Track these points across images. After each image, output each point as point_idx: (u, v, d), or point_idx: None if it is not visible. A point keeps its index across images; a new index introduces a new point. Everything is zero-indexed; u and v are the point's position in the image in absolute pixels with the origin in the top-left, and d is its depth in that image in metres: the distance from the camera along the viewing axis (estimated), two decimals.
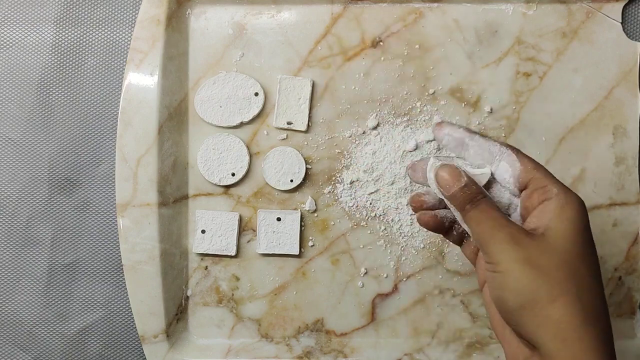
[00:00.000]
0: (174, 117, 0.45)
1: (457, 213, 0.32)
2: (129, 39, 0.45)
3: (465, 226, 0.32)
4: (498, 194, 0.33)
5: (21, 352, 0.47)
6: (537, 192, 0.31)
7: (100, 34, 0.46)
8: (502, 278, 0.30)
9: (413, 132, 0.44)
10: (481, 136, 0.34)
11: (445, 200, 0.33)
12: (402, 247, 0.45)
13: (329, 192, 0.45)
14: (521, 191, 0.32)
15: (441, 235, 0.38)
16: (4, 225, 0.47)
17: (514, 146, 0.33)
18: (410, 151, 0.44)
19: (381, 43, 0.45)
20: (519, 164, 0.32)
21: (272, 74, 0.45)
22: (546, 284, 0.29)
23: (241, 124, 0.45)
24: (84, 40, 0.46)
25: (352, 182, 0.45)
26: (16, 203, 0.46)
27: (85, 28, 0.46)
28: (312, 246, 0.46)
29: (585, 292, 0.30)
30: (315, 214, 0.46)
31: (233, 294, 0.46)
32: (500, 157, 0.33)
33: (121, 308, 0.47)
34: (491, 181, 0.33)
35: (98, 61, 0.46)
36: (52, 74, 0.46)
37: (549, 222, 0.31)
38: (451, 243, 0.37)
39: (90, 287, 0.47)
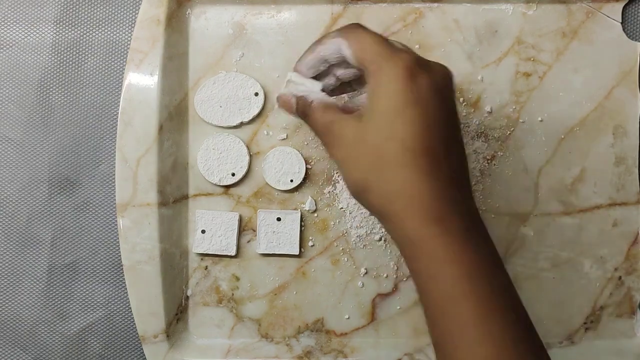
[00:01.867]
0: (174, 117, 0.45)
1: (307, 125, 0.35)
2: (129, 39, 0.45)
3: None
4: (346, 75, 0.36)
5: (21, 352, 0.47)
6: (369, 70, 0.32)
7: (100, 34, 0.46)
8: (340, 167, 0.33)
9: None
10: (322, 44, 0.35)
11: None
12: None
13: (329, 192, 0.45)
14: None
15: None
16: (4, 225, 0.47)
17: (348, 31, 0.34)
18: None
19: None
20: (347, 46, 0.33)
21: (272, 74, 0.45)
22: (376, 160, 0.31)
23: (241, 124, 0.45)
24: (84, 40, 0.46)
25: None
26: (16, 203, 0.46)
27: (85, 28, 0.46)
28: (312, 246, 0.46)
29: (422, 157, 0.30)
30: (315, 214, 0.46)
31: (233, 294, 0.46)
32: (339, 51, 0.34)
33: (121, 308, 0.47)
34: (332, 71, 0.36)
35: (98, 61, 0.46)
36: (52, 74, 0.46)
37: (369, 97, 0.32)
38: None
39: (90, 287, 0.47)
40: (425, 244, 0.30)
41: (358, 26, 0.34)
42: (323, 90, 0.36)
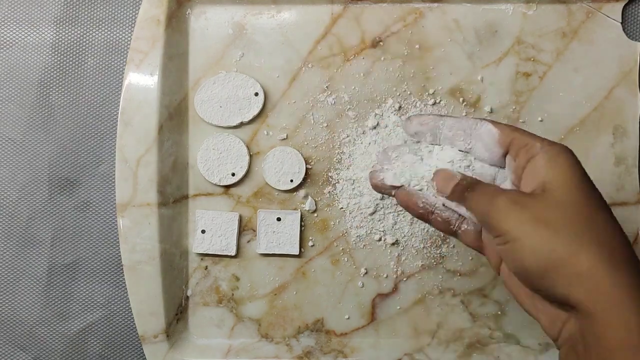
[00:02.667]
0: (174, 117, 0.45)
1: (462, 209, 0.32)
2: (129, 39, 0.45)
3: (471, 216, 0.32)
4: (481, 171, 0.33)
5: (21, 352, 0.47)
6: (521, 152, 0.31)
7: (100, 34, 0.46)
8: (516, 246, 0.28)
9: None
10: (451, 117, 0.34)
11: (448, 203, 0.33)
12: (402, 247, 0.45)
13: (329, 192, 0.45)
14: (504, 157, 0.32)
15: (442, 234, 0.38)
16: (4, 225, 0.47)
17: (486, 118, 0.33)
18: None
19: (381, 43, 0.45)
20: (495, 128, 0.32)
21: (272, 74, 0.45)
22: (563, 239, 0.27)
23: (241, 124, 0.45)
24: (84, 40, 0.46)
25: (352, 182, 0.45)
26: (16, 203, 0.46)
27: (85, 28, 0.46)
28: (312, 246, 0.46)
29: (606, 239, 0.28)
30: (315, 214, 0.46)
31: (233, 294, 0.46)
32: (475, 129, 0.33)
33: (121, 308, 0.47)
34: (472, 162, 0.33)
35: (98, 61, 0.46)
36: (52, 74, 0.46)
37: (544, 177, 0.29)
38: (455, 240, 0.36)
39: (90, 287, 0.47)
40: (624, 355, 0.26)
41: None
42: None
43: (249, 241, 0.46)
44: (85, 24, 0.46)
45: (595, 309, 0.27)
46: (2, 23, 0.46)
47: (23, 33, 0.46)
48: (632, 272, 0.27)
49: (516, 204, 0.29)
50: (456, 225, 0.34)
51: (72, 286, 0.47)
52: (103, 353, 0.47)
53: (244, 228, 0.46)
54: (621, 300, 0.26)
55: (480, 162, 0.33)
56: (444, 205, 0.34)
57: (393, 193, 0.35)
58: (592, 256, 0.27)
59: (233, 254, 0.45)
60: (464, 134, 0.33)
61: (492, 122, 0.32)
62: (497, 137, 0.32)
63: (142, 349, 0.45)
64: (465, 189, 0.32)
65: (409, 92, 0.45)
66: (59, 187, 0.47)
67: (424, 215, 0.34)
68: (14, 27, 0.46)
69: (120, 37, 0.46)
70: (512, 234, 0.28)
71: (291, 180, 0.45)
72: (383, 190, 0.36)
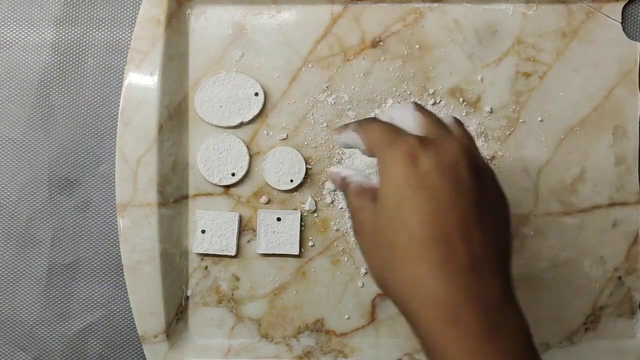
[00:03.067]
0: (174, 117, 0.45)
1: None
2: (129, 39, 0.45)
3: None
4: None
5: (21, 352, 0.47)
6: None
7: (100, 34, 0.46)
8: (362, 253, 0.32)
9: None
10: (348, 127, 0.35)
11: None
12: None
13: (329, 192, 0.45)
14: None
15: None
16: (4, 225, 0.47)
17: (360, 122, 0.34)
18: None
19: (381, 43, 0.45)
20: (358, 138, 0.33)
21: (272, 74, 0.45)
22: (388, 256, 0.30)
23: (241, 124, 0.45)
24: (84, 40, 0.46)
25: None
26: (16, 203, 0.46)
27: (85, 28, 0.46)
28: (312, 246, 0.46)
29: (423, 240, 0.29)
30: (315, 214, 0.46)
31: (233, 294, 0.46)
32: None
33: (121, 308, 0.47)
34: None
35: (98, 61, 0.46)
36: (52, 74, 0.46)
37: (379, 179, 0.31)
38: None
39: (90, 287, 0.47)
40: (443, 349, 0.28)
41: (372, 119, 0.34)
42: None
43: (249, 241, 0.46)
44: (85, 24, 0.46)
45: (411, 308, 0.29)
46: (2, 23, 0.46)
47: (23, 33, 0.46)
48: (455, 267, 0.29)
49: (360, 211, 0.32)
50: None
51: (72, 286, 0.47)
52: (103, 353, 0.47)
53: (244, 228, 0.46)
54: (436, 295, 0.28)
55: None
56: None
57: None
58: (407, 263, 0.29)
59: (233, 254, 0.45)
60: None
61: (360, 129, 0.34)
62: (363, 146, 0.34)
63: (142, 349, 0.45)
64: (343, 189, 0.35)
65: (409, 92, 0.45)
66: (59, 187, 0.46)
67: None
68: (14, 27, 0.46)
69: (120, 37, 0.46)
70: (359, 246, 0.33)
71: (291, 180, 0.45)
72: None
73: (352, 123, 0.34)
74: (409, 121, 0.33)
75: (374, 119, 0.34)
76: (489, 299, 0.28)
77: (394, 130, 0.32)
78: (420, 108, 0.33)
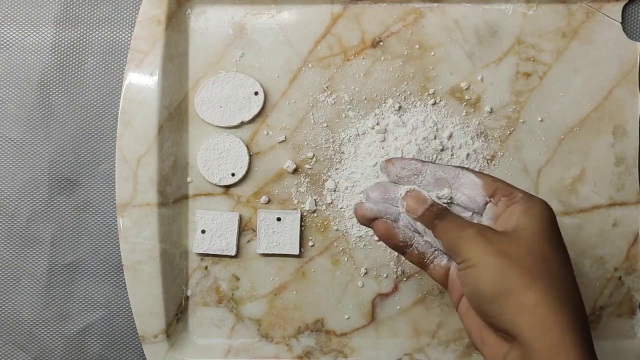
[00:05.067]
0: (174, 117, 0.45)
1: (429, 232, 0.34)
2: (129, 39, 0.45)
3: (437, 242, 0.34)
4: (458, 212, 0.35)
5: (21, 352, 0.47)
6: (503, 200, 0.33)
7: (100, 34, 0.46)
8: (475, 271, 0.31)
9: (413, 132, 0.44)
10: (434, 164, 0.36)
11: (416, 224, 0.35)
12: None
13: (329, 192, 0.45)
14: (485, 205, 0.34)
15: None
16: (4, 225, 0.47)
17: (465, 166, 0.35)
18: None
19: (381, 43, 0.45)
20: (478, 179, 0.34)
21: (272, 73, 0.45)
22: (518, 271, 0.30)
23: (241, 124, 0.45)
24: (84, 40, 0.46)
25: (352, 182, 0.45)
26: (16, 203, 0.46)
27: (85, 28, 0.46)
28: (312, 246, 0.46)
29: (557, 279, 0.30)
30: (315, 214, 0.46)
31: (233, 294, 0.46)
32: (457, 179, 0.35)
33: (121, 308, 0.47)
34: (450, 204, 0.35)
35: (98, 61, 0.46)
36: (52, 74, 0.46)
37: (517, 220, 0.32)
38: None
39: (90, 287, 0.47)
40: None
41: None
42: None
43: (249, 241, 0.46)
44: (85, 24, 0.46)
45: (535, 342, 0.29)
46: (2, 23, 0.46)
47: (23, 33, 0.46)
48: (576, 314, 0.30)
49: (483, 236, 0.32)
50: (429, 259, 0.36)
51: (72, 286, 0.47)
52: (103, 353, 0.47)
53: (244, 228, 0.46)
54: (562, 339, 0.29)
55: (459, 207, 0.35)
56: (422, 238, 0.36)
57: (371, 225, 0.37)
58: (541, 291, 0.30)
59: (233, 254, 0.45)
60: (444, 180, 0.35)
61: (475, 172, 0.35)
62: (481, 187, 0.34)
63: (142, 349, 0.45)
64: (436, 215, 0.34)
65: (409, 92, 0.45)
66: (59, 187, 0.47)
67: (402, 247, 0.36)
68: (14, 27, 0.46)
69: (120, 37, 0.46)
70: (474, 260, 0.31)
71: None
72: (366, 221, 0.37)
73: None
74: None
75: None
76: (587, 337, 0.30)
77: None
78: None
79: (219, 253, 0.45)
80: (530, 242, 0.31)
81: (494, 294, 0.30)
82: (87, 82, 0.46)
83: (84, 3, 0.46)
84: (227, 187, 0.46)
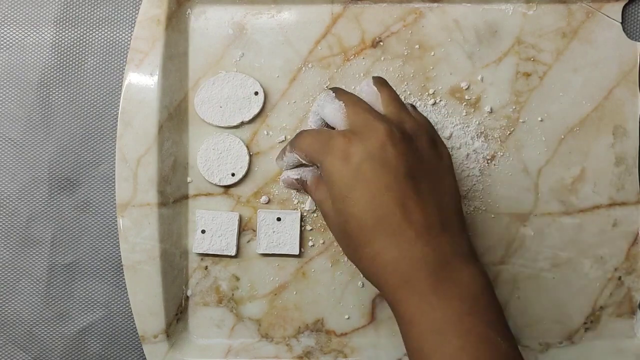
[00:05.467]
0: (174, 117, 0.45)
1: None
2: (129, 39, 0.45)
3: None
4: None
5: (21, 352, 0.47)
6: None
7: (100, 34, 0.46)
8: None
9: None
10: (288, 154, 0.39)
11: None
12: None
13: None
14: None
15: None
16: (3, 225, 0.47)
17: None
18: None
19: (381, 43, 0.45)
20: (298, 156, 0.37)
21: (272, 73, 0.45)
22: (349, 244, 0.34)
23: (242, 124, 0.45)
24: (84, 40, 0.46)
25: None
26: (16, 203, 0.46)
27: (85, 28, 0.46)
28: (312, 246, 0.46)
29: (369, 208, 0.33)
30: (315, 214, 0.46)
31: (233, 294, 0.46)
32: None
33: (121, 308, 0.47)
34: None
35: (98, 61, 0.46)
36: (52, 74, 0.46)
37: (325, 182, 0.35)
38: None
39: (90, 287, 0.47)
40: (398, 307, 0.33)
41: (300, 132, 0.37)
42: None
43: (249, 241, 0.46)
44: (85, 24, 0.46)
45: (376, 281, 0.34)
46: (2, 23, 0.46)
47: (23, 33, 0.46)
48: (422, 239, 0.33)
49: (325, 205, 0.36)
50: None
51: (72, 286, 0.47)
52: (103, 353, 0.47)
53: (244, 228, 0.46)
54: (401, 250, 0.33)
55: None
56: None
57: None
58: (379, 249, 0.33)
59: (233, 254, 0.45)
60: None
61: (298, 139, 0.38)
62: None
63: (142, 349, 0.45)
64: (304, 190, 0.39)
65: (409, 92, 0.45)
66: (59, 187, 0.47)
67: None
68: (14, 27, 0.46)
69: (120, 37, 0.46)
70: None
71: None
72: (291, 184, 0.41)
73: (286, 146, 0.38)
74: (334, 115, 0.36)
75: (302, 132, 0.37)
76: (437, 258, 0.32)
77: (322, 135, 0.35)
78: (339, 93, 0.36)
79: (219, 253, 0.45)
80: (337, 207, 0.34)
81: (352, 262, 0.36)
82: (87, 82, 0.46)
83: (84, 3, 0.46)
84: (227, 187, 0.46)
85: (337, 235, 0.35)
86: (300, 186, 0.39)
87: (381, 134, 0.33)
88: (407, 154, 0.33)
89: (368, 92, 0.37)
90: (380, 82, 0.37)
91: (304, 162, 0.37)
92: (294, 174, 0.39)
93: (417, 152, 0.34)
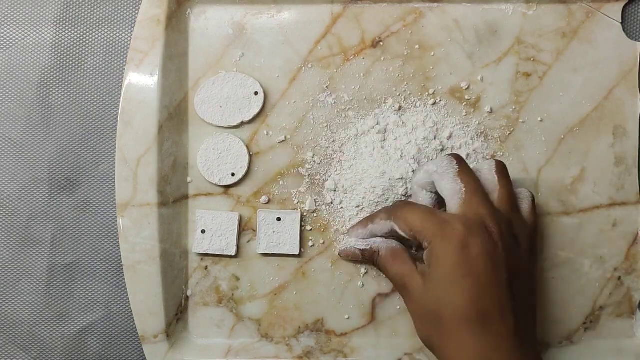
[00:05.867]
0: (174, 117, 0.45)
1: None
2: (129, 39, 0.45)
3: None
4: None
5: (21, 352, 0.47)
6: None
7: (100, 34, 0.46)
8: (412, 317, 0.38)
9: (413, 132, 0.44)
10: (376, 223, 0.41)
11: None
12: None
13: (329, 192, 0.45)
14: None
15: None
16: (3, 225, 0.47)
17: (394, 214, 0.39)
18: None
19: (381, 43, 0.45)
20: (397, 227, 0.39)
21: (272, 73, 0.45)
22: (436, 326, 0.35)
23: (241, 124, 0.45)
24: (84, 40, 0.46)
25: (352, 182, 0.45)
26: (16, 203, 0.46)
27: (85, 28, 0.46)
28: (312, 246, 0.46)
29: (476, 303, 0.34)
30: (315, 214, 0.46)
31: (233, 294, 0.46)
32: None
33: (121, 308, 0.47)
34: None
35: (98, 61, 0.46)
36: (52, 74, 0.46)
37: (428, 262, 0.36)
38: None
39: (90, 287, 0.47)
40: None
41: (405, 204, 0.38)
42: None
43: (249, 241, 0.46)
44: (85, 24, 0.46)
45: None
46: (2, 23, 0.46)
47: (23, 33, 0.46)
48: (502, 325, 0.35)
49: (410, 281, 0.38)
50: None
51: (72, 286, 0.47)
52: (103, 353, 0.47)
53: (244, 228, 0.46)
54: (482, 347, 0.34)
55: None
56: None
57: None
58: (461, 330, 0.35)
59: (233, 254, 0.45)
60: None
61: (395, 220, 0.39)
62: (401, 232, 0.39)
63: (142, 349, 0.45)
64: (371, 262, 0.42)
65: (409, 92, 0.45)
66: (59, 187, 0.47)
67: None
68: (14, 27, 0.46)
69: (120, 37, 0.46)
70: (408, 308, 0.39)
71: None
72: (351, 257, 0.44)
73: (383, 211, 0.40)
74: (451, 196, 0.37)
75: (406, 204, 0.39)
76: (523, 355, 0.34)
77: (435, 217, 0.36)
78: (461, 171, 0.38)
79: (219, 253, 0.45)
80: (438, 291, 0.35)
81: (425, 344, 0.37)
82: (87, 82, 0.46)
83: (84, 3, 0.46)
84: (227, 187, 0.46)
85: (423, 315, 0.36)
86: (367, 257, 0.41)
87: (495, 236, 0.35)
88: (513, 258, 0.35)
89: (487, 179, 0.39)
90: (501, 172, 0.39)
91: (401, 234, 0.38)
92: (361, 245, 0.41)
93: (520, 255, 0.36)
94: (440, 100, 0.45)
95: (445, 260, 0.35)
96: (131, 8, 0.46)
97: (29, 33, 0.46)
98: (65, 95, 0.46)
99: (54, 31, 0.46)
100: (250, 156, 0.45)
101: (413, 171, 0.43)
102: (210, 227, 0.45)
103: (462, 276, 0.34)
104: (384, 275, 0.41)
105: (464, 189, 0.37)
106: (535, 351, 0.36)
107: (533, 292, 0.39)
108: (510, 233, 0.36)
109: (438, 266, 0.35)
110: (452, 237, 0.35)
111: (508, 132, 0.45)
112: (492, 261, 0.34)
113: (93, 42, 0.46)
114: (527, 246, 0.37)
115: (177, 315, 0.46)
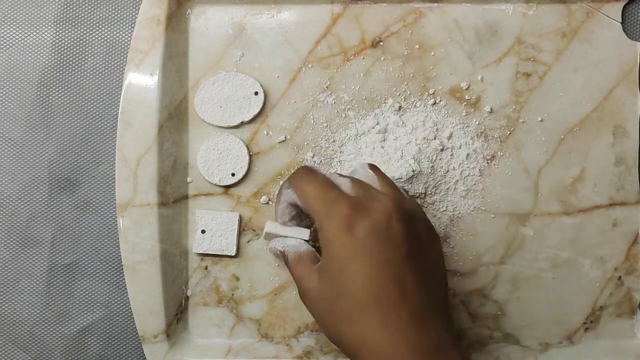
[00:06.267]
0: (174, 117, 0.45)
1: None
2: (129, 39, 0.45)
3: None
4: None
5: (21, 352, 0.47)
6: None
7: (100, 34, 0.46)
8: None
9: (413, 132, 0.44)
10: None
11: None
12: None
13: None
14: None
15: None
16: (3, 225, 0.47)
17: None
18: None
19: (381, 43, 0.45)
20: (296, 198, 0.37)
21: (272, 73, 0.45)
22: (336, 320, 0.33)
23: (241, 124, 0.45)
24: (84, 40, 0.46)
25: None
26: (16, 203, 0.46)
27: (85, 28, 0.46)
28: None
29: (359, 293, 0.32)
30: None
31: (233, 294, 0.46)
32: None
33: (121, 308, 0.47)
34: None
35: (98, 61, 0.46)
36: (52, 74, 0.46)
37: (322, 250, 0.35)
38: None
39: (90, 287, 0.47)
40: None
41: (304, 173, 0.37)
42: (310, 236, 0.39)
43: (249, 241, 0.46)
44: (85, 24, 0.46)
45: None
46: (2, 23, 0.46)
47: (23, 33, 0.46)
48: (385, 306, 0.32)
49: (306, 282, 0.36)
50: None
51: (72, 286, 0.47)
52: (103, 353, 0.47)
53: (244, 228, 0.46)
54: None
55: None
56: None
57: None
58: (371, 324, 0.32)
59: (233, 254, 0.45)
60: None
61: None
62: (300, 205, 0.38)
63: (142, 349, 0.45)
64: (286, 265, 0.39)
65: (409, 92, 0.45)
66: (59, 187, 0.47)
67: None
68: (14, 27, 0.46)
69: (120, 37, 0.46)
70: (310, 312, 0.36)
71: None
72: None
73: (286, 180, 0.38)
74: (343, 181, 0.36)
75: (305, 172, 0.37)
76: (428, 343, 0.31)
77: (328, 193, 0.34)
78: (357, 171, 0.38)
79: (219, 253, 0.45)
80: (330, 279, 0.33)
81: (334, 344, 0.34)
82: (87, 82, 0.46)
83: (84, 3, 0.46)
84: (227, 187, 0.46)
85: (322, 312, 0.34)
86: (281, 258, 0.40)
87: (388, 209, 0.33)
88: (410, 234, 0.33)
89: (363, 175, 0.38)
90: (374, 168, 0.38)
91: (298, 203, 0.37)
92: (279, 246, 0.39)
93: (417, 232, 0.34)
94: (440, 100, 0.45)
95: (334, 245, 0.33)
96: (131, 8, 0.46)
97: (29, 33, 0.46)
98: (65, 95, 0.46)
99: (54, 31, 0.46)
100: (250, 156, 0.45)
101: (413, 171, 0.43)
102: (210, 227, 0.45)
103: (351, 259, 0.32)
104: None
105: (349, 180, 0.36)
106: (447, 329, 0.33)
107: (442, 274, 0.36)
108: (403, 209, 0.34)
109: (327, 254, 0.33)
110: (338, 216, 0.33)
111: (508, 132, 0.45)
112: (383, 239, 0.32)
113: (93, 42, 0.46)
114: (423, 224, 0.36)
115: (177, 315, 0.46)
